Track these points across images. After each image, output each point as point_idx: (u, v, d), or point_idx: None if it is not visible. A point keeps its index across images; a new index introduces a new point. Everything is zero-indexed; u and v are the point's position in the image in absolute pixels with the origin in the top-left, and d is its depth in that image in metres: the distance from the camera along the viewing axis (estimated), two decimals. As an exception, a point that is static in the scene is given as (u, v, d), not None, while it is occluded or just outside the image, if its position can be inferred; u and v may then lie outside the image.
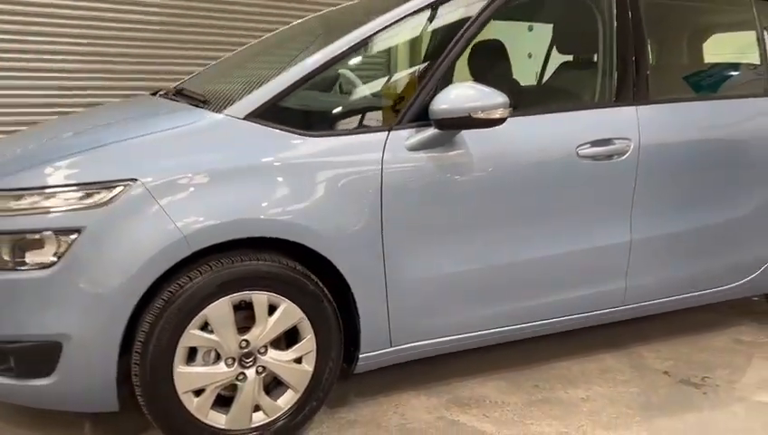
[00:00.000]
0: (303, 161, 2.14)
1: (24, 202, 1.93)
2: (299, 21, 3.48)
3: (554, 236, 2.52)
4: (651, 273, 2.78)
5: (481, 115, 2.16)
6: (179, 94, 2.68)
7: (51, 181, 1.94)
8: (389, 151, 2.22)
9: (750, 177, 2.93)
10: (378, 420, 2.40)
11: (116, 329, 1.94)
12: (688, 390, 2.69)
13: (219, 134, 2.11)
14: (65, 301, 1.92)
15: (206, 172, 2.02)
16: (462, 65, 2.71)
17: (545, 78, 3.52)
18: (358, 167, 2.19)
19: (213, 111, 2.18)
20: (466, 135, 2.31)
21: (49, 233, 1.90)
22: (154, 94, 3.00)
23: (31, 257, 1.92)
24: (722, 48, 3.26)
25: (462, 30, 2.39)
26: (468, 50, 2.48)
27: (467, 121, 2.17)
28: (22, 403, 2.12)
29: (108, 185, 1.94)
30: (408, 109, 2.27)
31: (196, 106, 2.32)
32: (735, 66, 3.23)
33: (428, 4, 2.42)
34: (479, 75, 2.85)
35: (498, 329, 2.53)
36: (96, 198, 1.93)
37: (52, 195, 1.93)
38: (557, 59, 3.44)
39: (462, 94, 2.18)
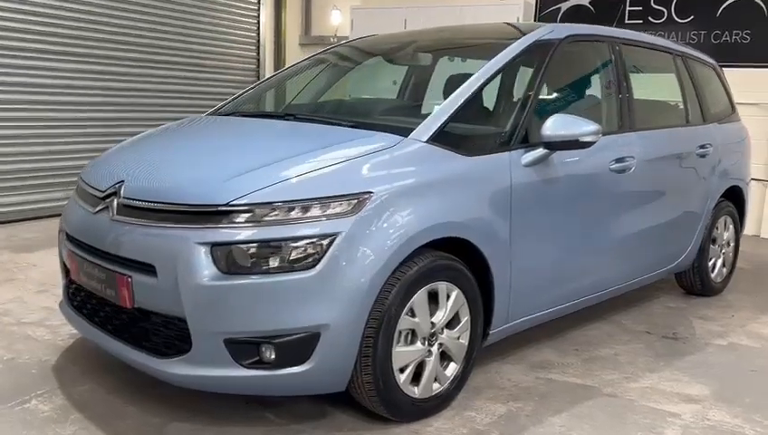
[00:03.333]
0: (466, 175, 2.67)
1: (285, 214, 2.24)
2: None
3: (604, 229, 3.34)
4: (642, 256, 3.70)
5: (581, 139, 2.86)
6: (290, 116, 3.04)
7: (308, 195, 2.28)
8: (514, 167, 2.83)
9: (681, 186, 4.01)
10: (496, 384, 2.97)
11: (363, 316, 2.32)
12: (671, 342, 3.64)
13: (414, 154, 2.57)
14: (326, 296, 2.25)
15: (414, 184, 2.48)
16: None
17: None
18: (497, 179, 2.77)
19: (398, 134, 2.62)
20: (555, 156, 2.99)
21: (313, 239, 2.23)
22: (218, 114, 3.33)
23: (296, 261, 2.22)
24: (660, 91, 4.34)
25: (539, 75, 3.09)
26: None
27: (572, 144, 2.86)
28: (266, 393, 2.39)
29: (352, 197, 2.32)
30: (516, 135, 2.90)
31: (354, 128, 2.74)
32: (666, 103, 4.33)
33: (513, 57, 3.08)
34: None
35: (571, 302, 3.28)
36: (346, 208, 2.30)
37: (310, 207, 2.26)
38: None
39: (567, 123, 2.85)
